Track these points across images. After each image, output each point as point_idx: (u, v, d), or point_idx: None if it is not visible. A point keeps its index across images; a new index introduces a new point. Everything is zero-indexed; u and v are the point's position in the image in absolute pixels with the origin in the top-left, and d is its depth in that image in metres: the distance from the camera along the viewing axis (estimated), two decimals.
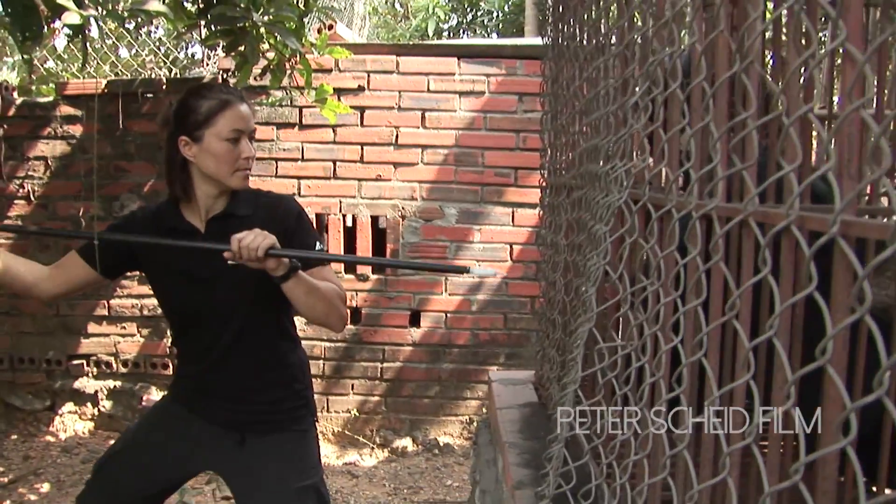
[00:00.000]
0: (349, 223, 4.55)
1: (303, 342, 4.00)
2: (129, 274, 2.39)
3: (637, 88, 1.33)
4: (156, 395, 4.57)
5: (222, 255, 1.90)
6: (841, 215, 0.72)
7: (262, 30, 2.79)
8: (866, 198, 1.70)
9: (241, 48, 2.85)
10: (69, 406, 4.75)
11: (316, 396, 4.22)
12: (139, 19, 2.19)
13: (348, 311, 2.10)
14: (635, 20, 1.46)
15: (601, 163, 1.54)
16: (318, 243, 2.15)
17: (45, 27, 1.99)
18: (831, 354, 0.73)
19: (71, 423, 4.73)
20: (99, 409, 4.72)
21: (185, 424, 2.18)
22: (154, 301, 4.36)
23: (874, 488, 1.41)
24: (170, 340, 4.40)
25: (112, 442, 2.41)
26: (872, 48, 0.75)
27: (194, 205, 2.09)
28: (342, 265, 4.46)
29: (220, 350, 2.10)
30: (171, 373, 4.51)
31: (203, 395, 2.17)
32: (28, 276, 2.08)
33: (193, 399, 2.19)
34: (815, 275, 0.75)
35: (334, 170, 4.46)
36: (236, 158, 2.02)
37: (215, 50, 4.88)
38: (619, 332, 1.48)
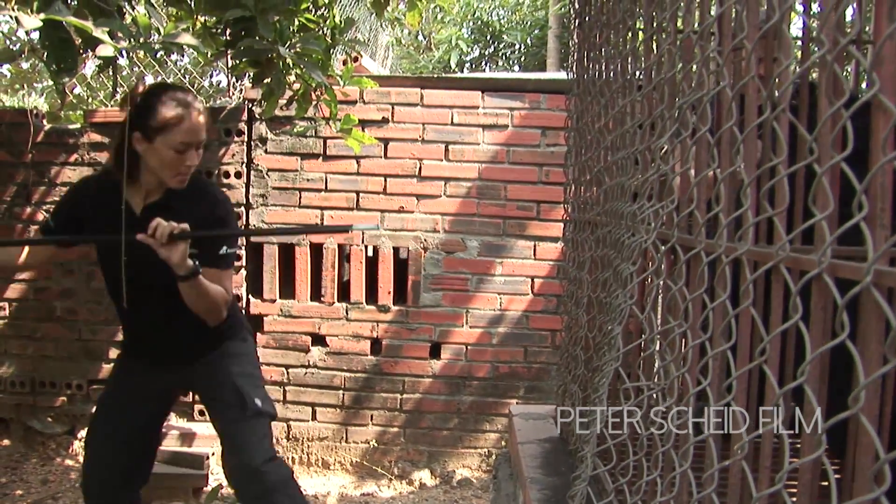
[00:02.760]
0: (371, 254, 4.56)
1: (322, 371, 4.01)
2: None
3: (665, 129, 1.34)
4: (174, 420, 4.57)
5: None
6: (875, 265, 0.72)
7: (289, 61, 2.82)
8: None
9: (268, 79, 2.88)
10: None
11: (335, 426, 4.20)
12: (171, 51, 2.24)
13: (227, 312, 2.55)
14: (663, 60, 1.47)
15: (627, 201, 1.54)
16: (226, 247, 2.41)
17: (79, 58, 2.02)
18: (863, 403, 0.73)
19: None
20: None
21: (145, 370, 2.55)
22: None
23: None
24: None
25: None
26: None
27: (137, 185, 2.35)
28: (364, 298, 4.47)
29: (158, 310, 2.41)
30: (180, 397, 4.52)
31: (150, 348, 2.54)
32: (14, 259, 2.46)
33: (143, 351, 2.56)
34: (847, 323, 0.75)
35: (357, 201, 4.48)
36: (179, 165, 2.28)
37: (241, 79, 4.93)
38: (643, 371, 1.48)
